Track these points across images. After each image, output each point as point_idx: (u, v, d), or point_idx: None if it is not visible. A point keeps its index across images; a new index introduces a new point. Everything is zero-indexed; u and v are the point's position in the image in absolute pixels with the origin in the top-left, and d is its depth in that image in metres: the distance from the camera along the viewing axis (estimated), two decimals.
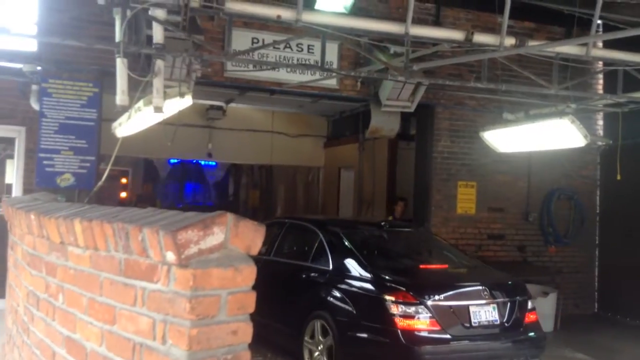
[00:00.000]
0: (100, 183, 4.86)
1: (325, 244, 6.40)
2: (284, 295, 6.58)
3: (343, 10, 8.54)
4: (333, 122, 13.63)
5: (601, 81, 10.19)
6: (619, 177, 8.49)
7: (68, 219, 2.36)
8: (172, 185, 25.21)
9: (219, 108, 12.44)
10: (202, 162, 20.37)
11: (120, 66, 4.60)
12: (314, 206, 14.76)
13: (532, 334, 5.93)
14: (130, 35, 5.06)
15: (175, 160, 20.83)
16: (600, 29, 8.74)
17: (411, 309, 5.27)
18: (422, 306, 5.29)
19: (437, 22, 9.23)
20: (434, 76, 8.30)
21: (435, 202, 9.52)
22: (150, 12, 4.58)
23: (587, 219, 10.19)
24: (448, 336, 5.36)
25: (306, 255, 6.60)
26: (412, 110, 8.99)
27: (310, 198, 15.32)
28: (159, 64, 4.65)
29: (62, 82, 7.84)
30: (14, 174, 8.58)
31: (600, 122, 10.43)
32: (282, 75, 8.45)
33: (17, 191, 8.37)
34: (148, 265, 1.90)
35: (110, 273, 2.10)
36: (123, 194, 17.19)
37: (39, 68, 7.80)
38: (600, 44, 8.70)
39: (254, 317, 1.89)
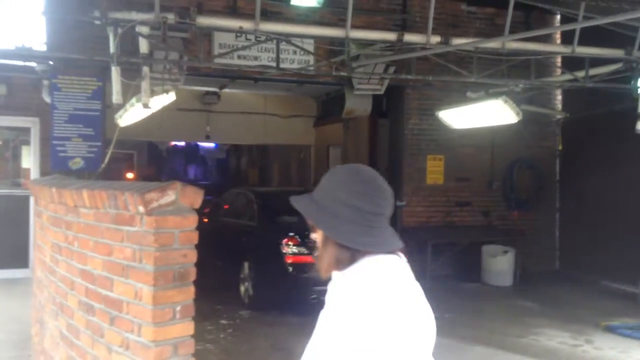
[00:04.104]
0: (103, 165, 5.97)
1: (255, 206, 8.75)
2: (229, 245, 9.12)
3: (316, 5, 9.57)
4: (321, 102, 14.61)
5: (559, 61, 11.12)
6: (560, 147, 9.47)
7: (78, 190, 3.47)
8: (175, 167, 26.42)
9: (214, 93, 13.49)
10: (203, 144, 21.47)
11: (115, 74, 5.68)
12: (306, 182, 15.86)
13: None
14: (125, 42, 6.11)
15: (178, 143, 21.93)
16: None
17: (296, 249, 7.58)
18: (303, 247, 7.53)
19: (403, 11, 10.21)
20: (402, 62, 9.32)
21: (407, 174, 10.59)
22: (137, 29, 5.64)
23: (545, 186, 11.21)
24: None
25: (245, 215, 8.89)
26: (382, 92, 10.03)
27: (303, 174, 16.43)
28: (145, 70, 5.73)
29: (70, 77, 8.95)
30: (30, 159, 9.76)
31: (559, 97, 11.41)
32: (265, 63, 9.43)
33: (34, 174, 9.54)
34: (129, 216, 3.00)
35: (107, 223, 3.21)
36: (129, 175, 18.41)
37: (50, 63, 8.91)
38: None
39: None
